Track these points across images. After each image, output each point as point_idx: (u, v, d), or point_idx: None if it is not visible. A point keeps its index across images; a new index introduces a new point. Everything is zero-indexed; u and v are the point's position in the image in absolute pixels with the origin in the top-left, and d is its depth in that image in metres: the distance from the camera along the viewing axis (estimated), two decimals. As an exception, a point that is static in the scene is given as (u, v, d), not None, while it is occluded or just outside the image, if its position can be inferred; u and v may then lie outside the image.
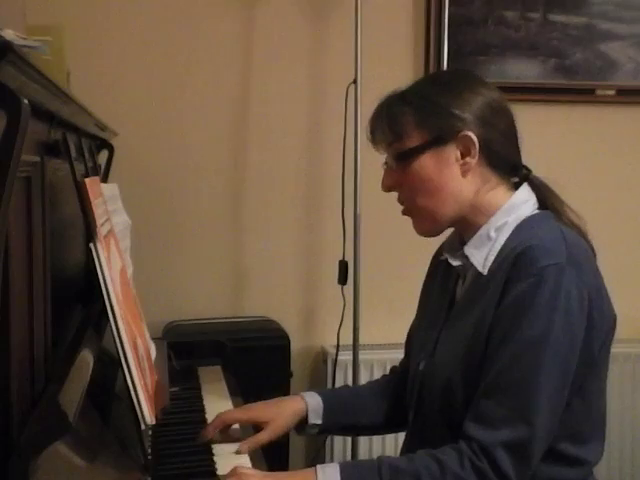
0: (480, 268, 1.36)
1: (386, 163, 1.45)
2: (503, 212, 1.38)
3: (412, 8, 2.71)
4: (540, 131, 2.78)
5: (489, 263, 1.35)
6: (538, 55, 2.77)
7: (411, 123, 1.38)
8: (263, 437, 1.51)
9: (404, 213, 1.45)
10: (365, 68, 2.46)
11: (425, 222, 1.43)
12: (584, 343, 1.28)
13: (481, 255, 1.37)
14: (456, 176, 1.38)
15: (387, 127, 1.40)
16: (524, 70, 2.76)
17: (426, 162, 1.38)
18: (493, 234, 1.37)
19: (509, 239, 1.35)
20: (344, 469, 1.28)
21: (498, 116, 1.40)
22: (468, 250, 1.39)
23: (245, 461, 1.45)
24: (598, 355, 1.33)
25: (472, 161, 1.37)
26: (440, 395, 1.38)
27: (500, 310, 1.29)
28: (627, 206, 2.88)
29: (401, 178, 1.41)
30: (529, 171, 1.45)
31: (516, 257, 1.29)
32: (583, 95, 2.82)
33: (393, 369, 1.72)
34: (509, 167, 1.42)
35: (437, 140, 1.37)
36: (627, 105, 2.86)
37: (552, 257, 1.27)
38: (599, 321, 1.30)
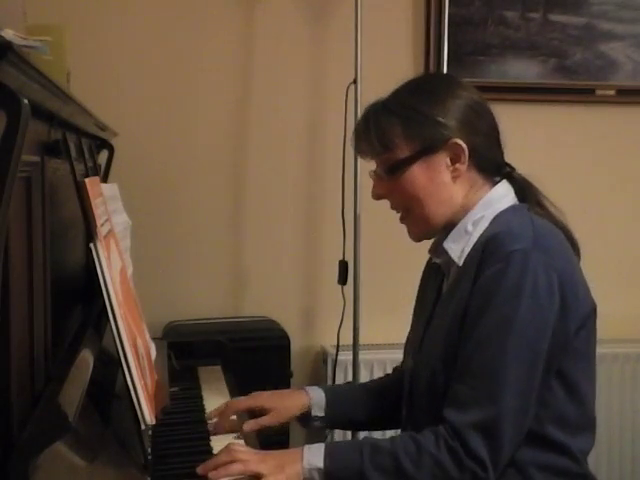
0: (456, 259, 1.40)
1: (374, 172, 1.47)
2: (480, 206, 1.42)
3: (412, 8, 2.71)
4: (540, 131, 2.78)
5: (465, 255, 1.39)
6: (538, 55, 2.77)
7: (399, 134, 1.40)
8: (265, 420, 1.57)
9: (402, 221, 1.48)
10: (365, 68, 2.46)
11: (419, 229, 1.46)
12: (559, 324, 1.31)
13: (458, 248, 1.41)
14: (447, 182, 1.41)
15: (375, 139, 1.42)
16: (524, 70, 2.76)
17: (417, 172, 1.40)
18: (470, 228, 1.41)
19: (484, 232, 1.39)
20: (328, 446, 1.34)
21: (480, 118, 1.43)
22: (447, 244, 1.43)
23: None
24: (576, 338, 1.34)
25: (462, 167, 1.41)
26: (426, 387, 1.41)
27: (471, 296, 1.33)
28: (627, 206, 2.88)
29: (392, 187, 1.44)
30: (512, 169, 1.48)
31: (485, 244, 1.33)
32: (583, 95, 2.82)
33: (395, 369, 1.73)
34: (495, 168, 1.46)
35: (427, 149, 1.40)
36: (627, 105, 2.86)
37: (518, 242, 1.30)
38: (574, 303, 1.33)
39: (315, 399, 1.61)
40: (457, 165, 1.40)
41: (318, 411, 1.61)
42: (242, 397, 1.69)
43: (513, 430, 1.29)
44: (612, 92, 2.83)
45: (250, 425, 1.55)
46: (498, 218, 1.40)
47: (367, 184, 2.45)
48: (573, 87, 2.80)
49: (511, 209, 1.42)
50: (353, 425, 1.89)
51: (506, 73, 2.74)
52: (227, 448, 1.35)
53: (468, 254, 1.38)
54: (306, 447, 1.34)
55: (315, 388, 1.64)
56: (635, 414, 2.75)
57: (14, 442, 0.92)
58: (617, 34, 2.80)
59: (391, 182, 1.43)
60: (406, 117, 1.40)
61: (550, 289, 1.30)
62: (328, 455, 1.31)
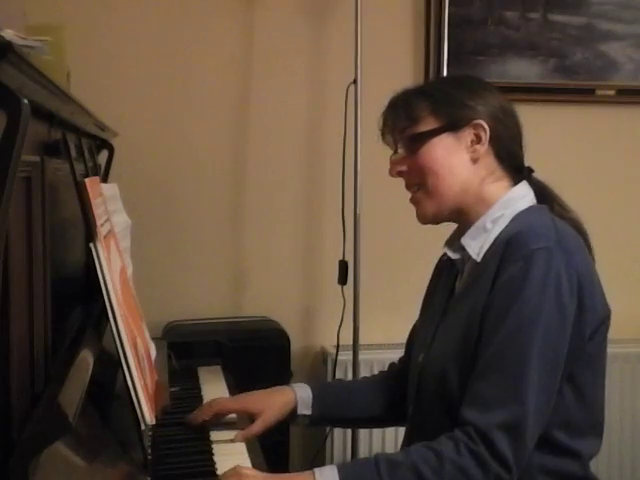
0: (475, 256, 1.40)
1: (395, 152, 1.47)
2: (500, 205, 1.42)
3: (412, 8, 2.71)
4: (540, 131, 2.77)
5: (483, 252, 1.39)
6: (538, 55, 2.77)
7: (427, 109, 1.43)
8: (256, 429, 1.56)
9: (412, 200, 1.47)
10: (365, 68, 2.46)
11: (429, 206, 1.45)
12: (575, 327, 1.30)
13: (477, 245, 1.41)
14: (465, 162, 1.42)
15: (403, 113, 1.44)
16: (524, 70, 2.76)
17: (437, 145, 1.42)
18: (489, 225, 1.41)
19: (504, 230, 1.39)
20: (342, 469, 1.29)
21: (508, 117, 1.46)
22: (465, 240, 1.43)
23: (245, 460, 1.45)
24: (589, 343, 1.34)
25: (481, 149, 1.42)
26: (437, 385, 1.40)
27: (492, 294, 1.32)
28: (627, 206, 2.88)
29: (412, 162, 1.44)
30: (531, 172, 1.49)
31: (507, 242, 1.33)
32: (583, 95, 2.82)
33: (391, 365, 1.72)
34: (514, 163, 1.46)
35: (451, 126, 1.42)
36: (627, 105, 2.86)
37: (541, 241, 1.30)
38: (591, 306, 1.32)
39: (301, 397, 1.60)
40: (477, 146, 1.42)
41: (304, 409, 1.60)
42: (227, 398, 1.69)
43: (534, 431, 1.28)
44: (612, 92, 2.83)
45: (241, 436, 1.54)
46: (519, 217, 1.40)
47: (367, 184, 2.47)
48: (573, 87, 2.80)
49: (532, 209, 1.42)
50: (345, 423, 1.88)
51: (506, 73, 2.74)
52: (235, 471, 1.31)
53: (487, 251, 1.38)
54: (317, 470, 1.29)
55: (302, 385, 1.63)
56: (635, 414, 2.75)
57: (14, 442, 0.92)
58: (617, 34, 2.80)
59: (410, 157, 1.44)
60: (437, 97, 1.44)
61: (571, 289, 1.29)
62: (344, 477, 1.26)
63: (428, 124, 1.42)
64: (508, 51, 2.75)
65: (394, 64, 2.67)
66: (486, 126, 1.41)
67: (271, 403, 1.58)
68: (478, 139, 1.42)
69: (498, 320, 1.30)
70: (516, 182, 1.45)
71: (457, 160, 1.42)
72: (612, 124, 2.85)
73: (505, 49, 2.74)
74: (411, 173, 1.45)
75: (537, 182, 1.48)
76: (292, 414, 1.60)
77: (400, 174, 1.46)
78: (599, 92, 2.82)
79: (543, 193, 1.46)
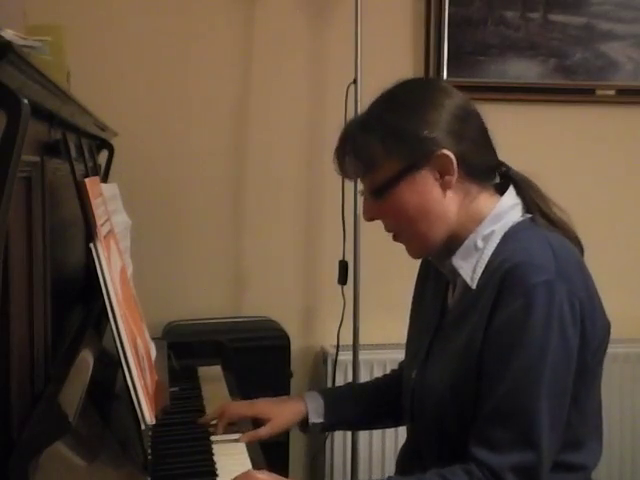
0: (469, 281, 1.33)
1: (362, 192, 1.41)
2: (490, 220, 1.34)
3: (412, 8, 2.71)
4: (540, 131, 2.78)
5: (477, 276, 1.32)
6: (538, 55, 2.77)
7: (380, 154, 1.32)
8: (263, 432, 1.56)
9: (395, 240, 1.41)
10: (365, 68, 2.46)
11: (417, 247, 1.40)
12: (578, 355, 1.27)
13: (469, 267, 1.33)
14: (437, 197, 1.33)
15: (355, 160, 1.35)
16: (524, 70, 2.76)
17: (405, 190, 1.32)
18: (480, 244, 1.33)
19: (497, 250, 1.32)
20: None
21: (466, 123, 1.34)
22: (456, 262, 1.35)
23: (245, 460, 1.45)
24: (591, 362, 1.31)
25: (452, 179, 1.32)
26: (432, 407, 1.37)
27: (493, 330, 1.26)
28: (626, 206, 2.87)
29: (382, 209, 1.36)
30: (507, 167, 1.41)
31: (505, 274, 1.26)
32: (583, 95, 2.81)
33: (394, 370, 1.72)
34: (487, 172, 1.39)
35: (412, 166, 1.32)
36: (627, 105, 2.85)
37: (542, 273, 1.24)
38: (591, 330, 1.29)
39: (312, 406, 1.59)
40: (446, 177, 1.32)
41: (316, 418, 1.59)
42: (239, 402, 1.69)
43: (548, 467, 1.26)
44: (612, 92, 2.83)
45: (247, 438, 1.55)
46: (510, 235, 1.33)
47: (367, 184, 2.47)
48: (573, 87, 2.80)
49: (523, 225, 1.34)
50: (354, 426, 1.88)
51: (506, 73, 2.74)
52: (246, 475, 1.29)
53: (482, 276, 1.31)
54: None
55: (313, 394, 1.62)
56: (635, 414, 2.75)
57: (14, 442, 0.92)
58: (617, 34, 2.80)
59: (380, 203, 1.35)
60: (386, 135, 1.31)
61: (574, 319, 1.25)
62: None
63: (386, 169, 1.32)
64: (508, 51, 2.74)
65: (394, 64, 2.66)
66: (451, 155, 1.30)
67: (282, 411, 1.59)
68: (446, 170, 1.31)
69: (503, 361, 1.25)
70: (499, 187, 1.39)
71: (428, 199, 1.33)
72: (612, 124, 2.85)
73: (505, 49, 2.74)
74: (386, 219, 1.38)
75: (516, 178, 1.39)
76: (302, 424, 1.61)
77: (374, 219, 1.39)
78: (599, 92, 2.82)
79: (529, 195, 1.38)
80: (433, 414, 1.37)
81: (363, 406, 1.65)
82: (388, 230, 1.40)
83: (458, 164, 1.32)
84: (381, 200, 1.35)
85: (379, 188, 1.34)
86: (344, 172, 1.41)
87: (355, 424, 1.76)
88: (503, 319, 1.25)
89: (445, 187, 1.33)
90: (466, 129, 1.34)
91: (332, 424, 1.64)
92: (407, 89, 1.40)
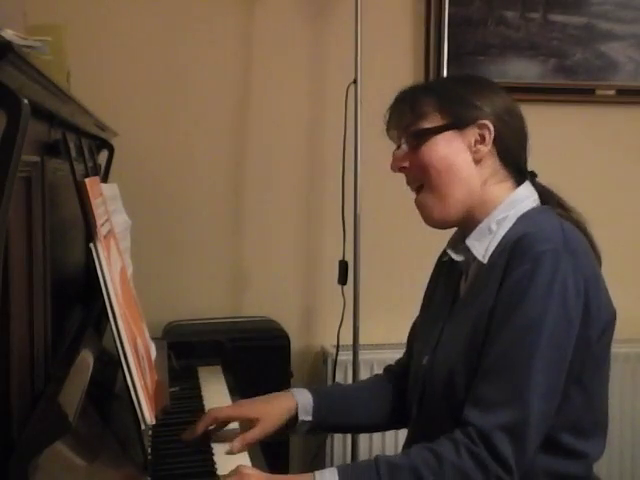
0: (480, 258, 1.38)
1: (398, 147, 1.46)
2: (505, 206, 1.41)
3: (412, 8, 2.71)
4: (540, 131, 2.76)
5: (489, 253, 1.38)
6: (538, 55, 2.77)
7: (433, 106, 1.42)
8: (253, 436, 1.50)
9: (416, 203, 1.46)
10: (365, 68, 2.46)
11: (434, 207, 1.43)
12: (581, 330, 1.30)
13: (482, 246, 1.39)
14: (468, 162, 1.41)
15: (408, 108, 1.44)
16: (524, 70, 2.76)
17: (441, 143, 1.41)
18: (494, 227, 1.40)
19: (509, 231, 1.38)
20: (342, 471, 1.28)
21: (513, 119, 1.44)
22: (470, 242, 1.41)
23: (245, 460, 1.45)
24: (596, 345, 1.33)
25: (485, 149, 1.41)
26: (443, 388, 1.38)
27: (499, 296, 1.31)
28: (627, 206, 2.88)
29: (413, 158, 1.43)
30: (535, 176, 1.48)
31: (514, 244, 1.31)
32: (583, 95, 2.82)
33: (388, 368, 1.71)
34: (517, 166, 1.45)
35: (455, 124, 1.41)
36: (627, 105, 2.86)
37: (549, 243, 1.29)
38: (596, 310, 1.31)
39: (302, 403, 1.56)
40: (480, 147, 1.40)
41: (305, 415, 1.56)
42: (225, 406, 1.63)
43: (537, 434, 1.27)
44: (612, 92, 2.83)
45: (237, 446, 1.48)
46: (524, 218, 1.38)
47: (367, 184, 2.47)
48: (573, 87, 2.80)
49: (538, 210, 1.41)
50: (344, 429, 1.85)
51: (506, 73, 2.74)
52: (237, 471, 1.30)
53: (494, 253, 1.37)
54: (317, 473, 1.28)
55: (302, 390, 1.59)
56: (635, 414, 2.75)
57: (14, 442, 0.92)
58: (617, 34, 2.80)
59: (413, 154, 1.43)
60: (443, 94, 1.43)
61: (577, 292, 1.28)
62: (343, 479, 1.26)
63: (433, 121, 1.41)
64: (508, 51, 2.75)
65: (394, 64, 2.67)
66: (491, 126, 1.40)
67: (270, 409, 1.54)
68: (482, 139, 1.41)
69: (503, 321, 1.29)
70: (519, 184, 1.44)
71: (460, 159, 1.40)
72: (612, 124, 2.85)
73: (505, 49, 2.74)
74: (413, 169, 1.44)
75: (539, 186, 1.46)
76: (292, 420, 1.56)
77: (402, 170, 1.45)
78: (599, 92, 2.82)
79: (546, 195, 1.45)
80: (445, 393, 1.38)
81: (355, 408, 1.62)
82: (410, 183, 1.46)
83: (494, 141, 1.41)
84: (417, 148, 1.42)
85: (420, 134, 1.42)
86: (391, 123, 1.48)
87: (342, 427, 1.72)
88: (509, 284, 1.30)
89: (478, 156, 1.41)
90: (511, 122, 1.44)
91: (319, 424, 1.58)
92: (475, 76, 1.62)
